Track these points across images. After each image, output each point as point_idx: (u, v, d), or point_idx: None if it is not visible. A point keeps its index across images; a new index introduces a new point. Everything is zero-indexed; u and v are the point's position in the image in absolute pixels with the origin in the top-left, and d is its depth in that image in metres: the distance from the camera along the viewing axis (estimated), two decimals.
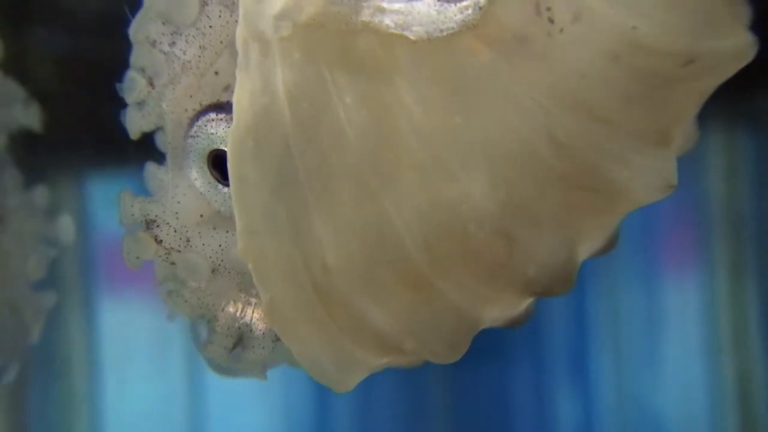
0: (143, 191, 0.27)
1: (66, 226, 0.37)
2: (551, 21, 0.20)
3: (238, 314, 0.27)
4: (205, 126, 0.25)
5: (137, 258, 0.26)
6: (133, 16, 0.25)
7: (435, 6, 0.20)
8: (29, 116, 0.37)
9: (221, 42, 0.24)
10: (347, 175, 0.22)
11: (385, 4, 0.20)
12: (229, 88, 0.25)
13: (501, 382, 0.45)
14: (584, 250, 0.23)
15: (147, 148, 0.27)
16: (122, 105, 0.26)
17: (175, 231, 0.26)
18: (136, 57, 0.25)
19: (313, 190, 0.22)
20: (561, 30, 0.20)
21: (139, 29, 0.25)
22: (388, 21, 0.20)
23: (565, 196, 0.22)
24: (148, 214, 0.26)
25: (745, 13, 0.21)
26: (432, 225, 0.22)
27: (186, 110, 0.25)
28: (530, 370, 0.45)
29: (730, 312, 0.42)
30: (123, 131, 0.26)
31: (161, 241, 0.26)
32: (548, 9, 0.20)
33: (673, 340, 0.44)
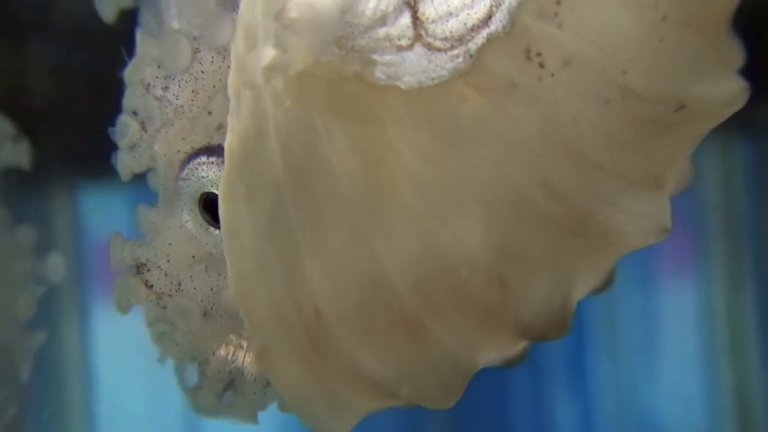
0: (136, 201, 0.27)
1: (55, 263, 0.37)
2: (541, 66, 0.20)
3: (229, 358, 0.26)
4: (196, 169, 0.25)
5: (127, 302, 0.26)
6: (129, 60, 0.25)
7: (425, 55, 0.20)
8: (18, 154, 0.37)
9: (214, 86, 0.24)
10: (339, 221, 0.21)
11: (375, 56, 0.20)
12: (221, 129, 0.25)
13: (500, 390, 0.44)
14: (579, 293, 0.23)
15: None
16: (114, 116, 0.26)
17: (166, 275, 0.26)
18: (129, 100, 0.25)
19: (305, 235, 0.22)
20: (551, 75, 0.20)
21: (134, 72, 0.25)
22: (379, 73, 0.20)
23: (559, 240, 0.21)
24: (139, 258, 0.26)
25: (736, 57, 0.22)
26: (425, 270, 0.22)
27: (178, 152, 0.25)
28: (529, 377, 0.45)
29: (727, 318, 0.42)
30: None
31: (152, 285, 0.26)
32: (538, 54, 0.20)
33: (670, 346, 0.44)
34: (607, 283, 0.24)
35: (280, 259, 0.22)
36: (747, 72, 0.21)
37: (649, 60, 0.20)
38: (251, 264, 0.23)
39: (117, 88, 0.26)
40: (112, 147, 0.26)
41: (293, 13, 0.19)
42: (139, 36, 0.27)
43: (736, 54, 0.21)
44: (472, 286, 0.22)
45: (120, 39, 0.26)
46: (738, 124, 0.21)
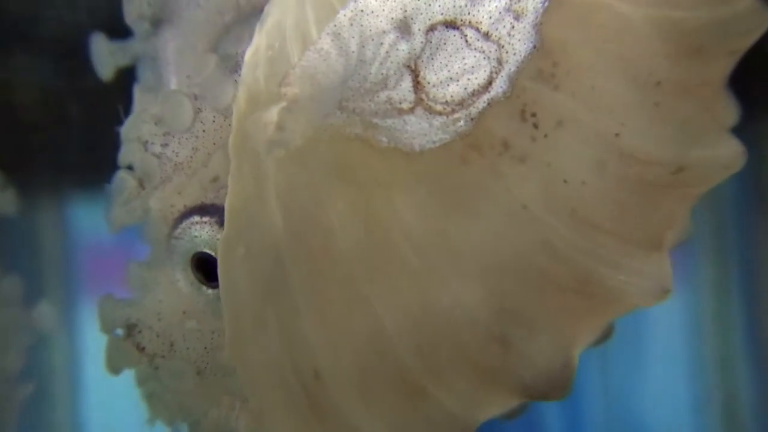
0: None
1: (46, 314, 0.36)
2: (535, 127, 0.21)
3: (222, 420, 0.26)
4: (189, 229, 0.25)
5: (119, 366, 0.25)
6: (126, 116, 0.25)
7: (427, 119, 0.20)
8: (4, 202, 0.36)
9: (214, 144, 0.24)
10: (339, 282, 0.21)
11: (377, 120, 0.20)
12: (217, 187, 0.25)
13: None
14: (579, 351, 0.23)
15: None
16: (104, 130, 0.26)
17: (158, 335, 0.26)
18: (126, 156, 0.25)
19: (304, 296, 0.22)
20: (545, 135, 0.20)
21: (132, 129, 0.25)
22: (381, 136, 0.20)
23: (560, 301, 0.21)
24: (129, 318, 0.26)
25: (730, 115, 0.22)
26: (425, 331, 0.21)
27: (172, 207, 0.25)
28: None
29: (715, 330, 0.42)
30: (105, 153, 0.26)
31: (143, 348, 0.25)
32: (533, 115, 0.21)
33: (659, 356, 0.43)
34: (606, 336, 0.24)
35: (279, 320, 0.22)
36: (734, 87, 0.22)
37: (645, 124, 0.20)
38: (249, 325, 0.22)
39: (105, 101, 0.26)
40: (100, 158, 0.26)
41: (295, 89, 0.19)
42: (137, 92, 0.27)
43: (732, 112, 0.21)
44: (473, 348, 0.21)
45: None
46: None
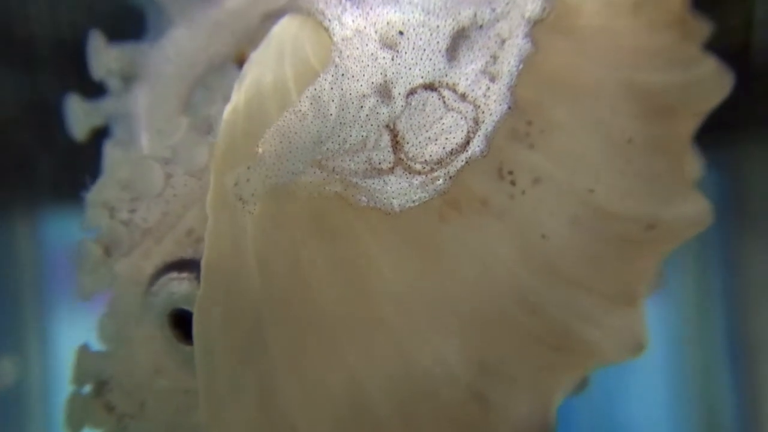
0: None
1: (5, 369, 0.35)
2: (513, 184, 0.21)
3: None
4: (167, 285, 0.24)
5: (81, 425, 0.24)
6: (93, 182, 0.24)
7: (406, 178, 0.20)
8: None
9: (183, 206, 0.24)
10: (318, 340, 0.21)
11: (357, 180, 0.20)
12: (194, 243, 0.24)
13: None
14: (557, 405, 0.23)
15: None
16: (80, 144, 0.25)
17: (129, 394, 0.25)
18: (91, 222, 0.24)
19: (282, 355, 0.21)
20: (522, 192, 0.21)
21: (98, 194, 0.24)
22: (360, 196, 0.20)
23: (538, 356, 0.22)
24: (101, 374, 0.25)
25: (696, 170, 0.23)
26: (405, 389, 0.21)
27: (145, 269, 0.25)
28: None
29: (696, 343, 0.42)
30: (81, 165, 0.25)
31: (113, 408, 0.24)
32: (510, 173, 0.21)
33: (640, 367, 0.43)
34: (581, 387, 0.25)
35: (256, 379, 0.22)
36: (716, 110, 0.22)
37: (618, 181, 0.21)
38: (225, 385, 0.22)
39: None
40: (76, 171, 0.25)
41: (265, 146, 0.19)
42: (108, 148, 0.26)
43: (698, 167, 0.22)
44: (453, 405, 0.21)
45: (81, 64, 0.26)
46: (707, 152, 0.22)
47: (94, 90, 0.27)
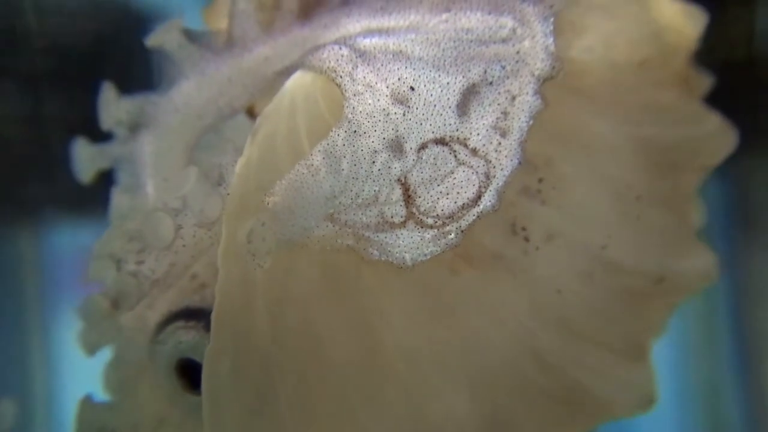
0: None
1: (6, 410, 0.35)
2: (527, 240, 0.21)
3: None
4: (174, 334, 0.24)
5: None
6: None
7: (418, 232, 0.20)
8: None
9: (193, 257, 0.24)
10: (328, 395, 0.21)
11: (369, 234, 0.20)
12: (202, 292, 0.24)
13: None
14: None
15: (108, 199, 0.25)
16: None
17: None
18: (97, 274, 0.24)
19: (291, 410, 0.21)
20: (537, 248, 0.21)
21: (105, 246, 0.24)
22: (372, 249, 0.20)
23: (549, 410, 0.21)
24: (105, 427, 0.25)
25: (701, 220, 0.23)
26: None
27: (151, 319, 0.25)
28: None
29: (702, 355, 0.42)
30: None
31: None
32: (523, 229, 0.21)
33: None
34: None
35: None
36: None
37: (629, 236, 0.21)
38: None
39: (90, 118, 0.25)
40: (78, 183, 0.25)
41: (277, 199, 0.20)
42: (115, 195, 0.26)
43: (702, 216, 0.22)
44: None
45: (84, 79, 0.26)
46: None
47: (96, 102, 0.27)
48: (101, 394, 0.25)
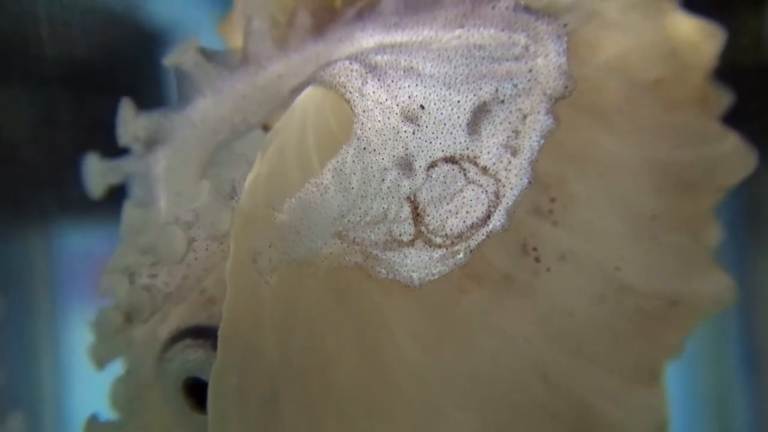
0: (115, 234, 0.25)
1: (15, 424, 0.35)
2: (537, 261, 0.21)
3: None
4: (182, 352, 0.24)
5: None
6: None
7: (426, 251, 0.20)
8: None
9: (205, 270, 0.24)
10: (335, 414, 0.21)
11: (377, 252, 0.20)
12: (211, 310, 0.24)
13: None
14: None
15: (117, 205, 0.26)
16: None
17: None
18: (110, 288, 0.24)
19: (297, 427, 0.21)
20: (547, 269, 0.21)
21: (118, 260, 0.24)
22: (380, 268, 0.20)
23: None
24: None
25: (717, 239, 0.22)
26: None
27: (160, 335, 0.24)
28: None
29: (711, 365, 0.41)
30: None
31: None
32: (535, 249, 0.21)
33: None
34: None
35: None
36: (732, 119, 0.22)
37: (642, 258, 0.21)
38: None
39: (100, 126, 0.25)
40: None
41: (285, 217, 0.19)
42: (127, 208, 0.27)
43: (718, 236, 0.22)
44: None
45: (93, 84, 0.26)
46: None
47: (107, 110, 0.27)
48: (108, 411, 0.25)
